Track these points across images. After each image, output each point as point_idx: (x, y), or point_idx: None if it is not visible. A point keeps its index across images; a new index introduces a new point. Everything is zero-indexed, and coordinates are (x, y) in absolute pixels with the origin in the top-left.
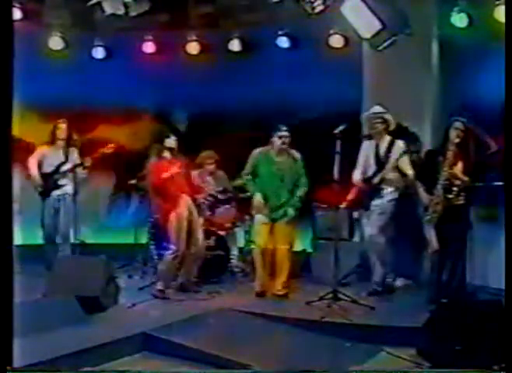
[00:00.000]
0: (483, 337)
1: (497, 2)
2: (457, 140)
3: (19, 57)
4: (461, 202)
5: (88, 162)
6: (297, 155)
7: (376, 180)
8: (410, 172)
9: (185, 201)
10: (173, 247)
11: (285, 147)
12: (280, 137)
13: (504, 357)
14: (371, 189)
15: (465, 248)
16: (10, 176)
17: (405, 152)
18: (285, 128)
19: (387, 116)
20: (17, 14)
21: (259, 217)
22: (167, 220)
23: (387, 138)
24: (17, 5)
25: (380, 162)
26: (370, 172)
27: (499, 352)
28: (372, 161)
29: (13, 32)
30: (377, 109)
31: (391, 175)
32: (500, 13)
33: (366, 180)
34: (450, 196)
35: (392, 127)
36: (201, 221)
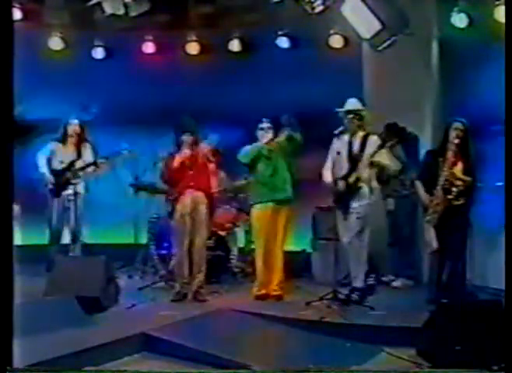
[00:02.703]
0: (483, 337)
1: (497, 3)
2: (456, 140)
3: (19, 58)
4: (461, 202)
5: (102, 161)
6: (289, 134)
7: (351, 180)
8: (387, 162)
9: (190, 195)
10: (176, 244)
11: (270, 137)
12: (262, 129)
13: (504, 357)
14: (348, 190)
15: (465, 248)
16: (11, 176)
17: (381, 146)
18: (266, 120)
19: (364, 113)
20: (17, 14)
21: (257, 211)
22: (172, 215)
23: (360, 134)
24: (17, 5)
25: (354, 160)
26: (344, 171)
27: (499, 352)
28: (345, 159)
29: (13, 32)
30: (353, 104)
31: (367, 172)
32: (500, 13)
33: (341, 179)
34: (450, 196)
35: (369, 123)
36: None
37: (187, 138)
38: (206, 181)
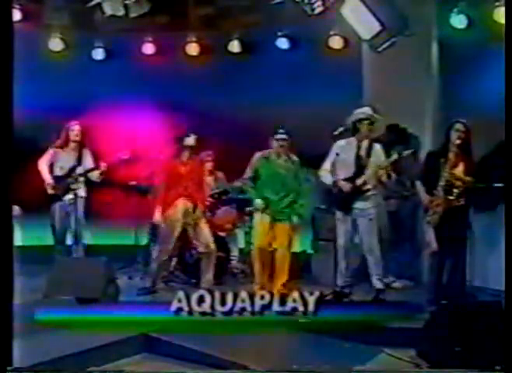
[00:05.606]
0: (483, 338)
1: (497, 3)
2: (458, 141)
3: (19, 59)
4: (462, 203)
5: (104, 167)
6: (295, 158)
7: (359, 182)
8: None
9: (182, 205)
10: (159, 247)
11: (284, 150)
12: (277, 140)
13: (504, 358)
14: (354, 192)
15: (465, 249)
16: (10, 177)
17: (384, 160)
18: (282, 131)
19: (376, 119)
20: (17, 15)
21: (258, 218)
22: (160, 221)
23: (367, 139)
24: (17, 6)
25: (360, 164)
26: (350, 174)
27: (500, 353)
28: (351, 161)
29: (13, 33)
30: (367, 110)
31: (373, 176)
32: (500, 14)
33: (346, 181)
34: (451, 197)
35: (377, 131)
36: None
37: (191, 141)
38: (199, 192)
